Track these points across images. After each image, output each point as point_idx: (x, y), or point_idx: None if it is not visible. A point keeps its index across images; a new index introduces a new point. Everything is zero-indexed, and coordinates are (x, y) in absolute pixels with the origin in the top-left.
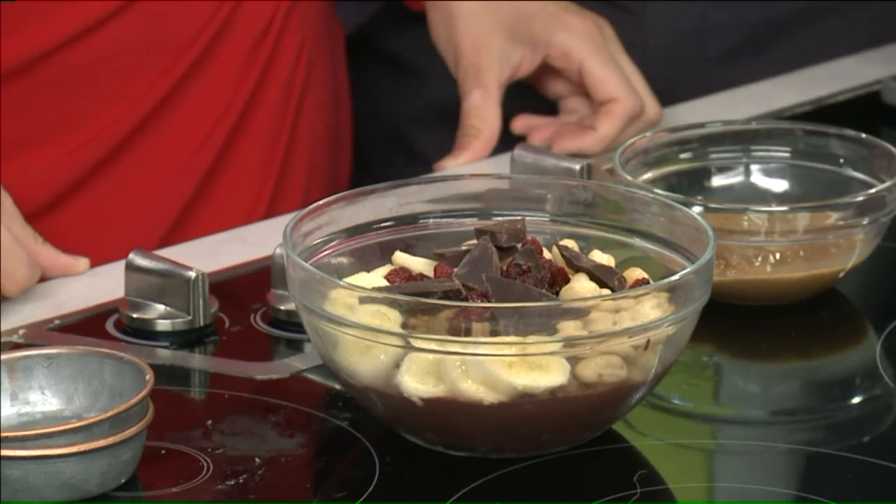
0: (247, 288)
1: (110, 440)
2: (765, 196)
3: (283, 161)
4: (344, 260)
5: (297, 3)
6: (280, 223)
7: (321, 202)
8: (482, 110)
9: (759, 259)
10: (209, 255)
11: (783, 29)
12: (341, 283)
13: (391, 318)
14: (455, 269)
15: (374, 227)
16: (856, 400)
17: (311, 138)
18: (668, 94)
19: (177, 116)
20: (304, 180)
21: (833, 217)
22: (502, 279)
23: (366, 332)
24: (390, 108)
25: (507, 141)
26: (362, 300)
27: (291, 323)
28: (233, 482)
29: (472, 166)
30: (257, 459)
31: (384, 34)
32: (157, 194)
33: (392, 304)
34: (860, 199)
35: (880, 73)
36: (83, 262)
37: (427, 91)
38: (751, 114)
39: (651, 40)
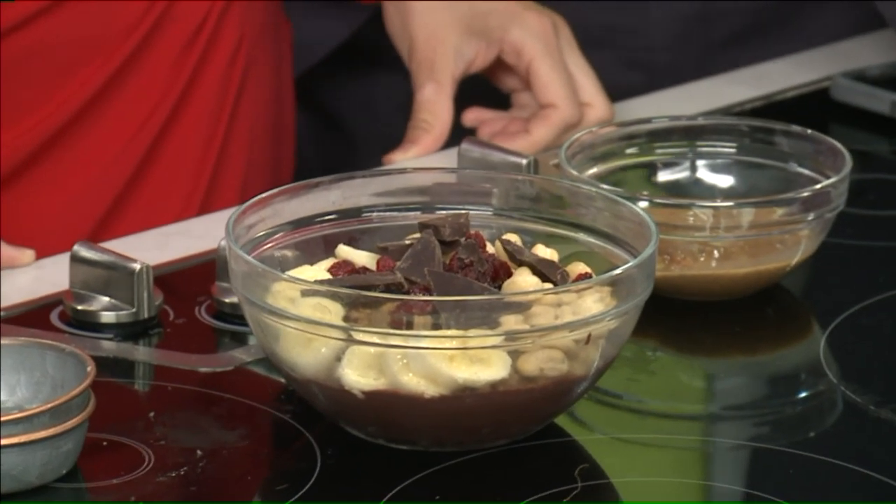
0: (192, 280)
1: (51, 431)
2: (711, 191)
3: (218, 157)
4: (288, 253)
5: (235, 2)
6: (226, 216)
7: (264, 195)
8: (434, 104)
9: (704, 254)
10: (154, 247)
11: (787, 13)
12: (283, 275)
13: (332, 311)
14: (398, 263)
15: (318, 220)
16: (800, 395)
17: (250, 135)
18: (672, 79)
19: (111, 109)
20: (242, 177)
21: (778, 213)
22: (444, 273)
23: (307, 325)
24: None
25: (460, 133)
26: (304, 293)
27: (236, 316)
28: (174, 474)
29: (419, 160)
30: (199, 452)
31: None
32: (88, 186)
33: (333, 297)
34: (805, 194)
35: (830, 70)
36: (28, 253)
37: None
38: (701, 109)
39: (655, 25)
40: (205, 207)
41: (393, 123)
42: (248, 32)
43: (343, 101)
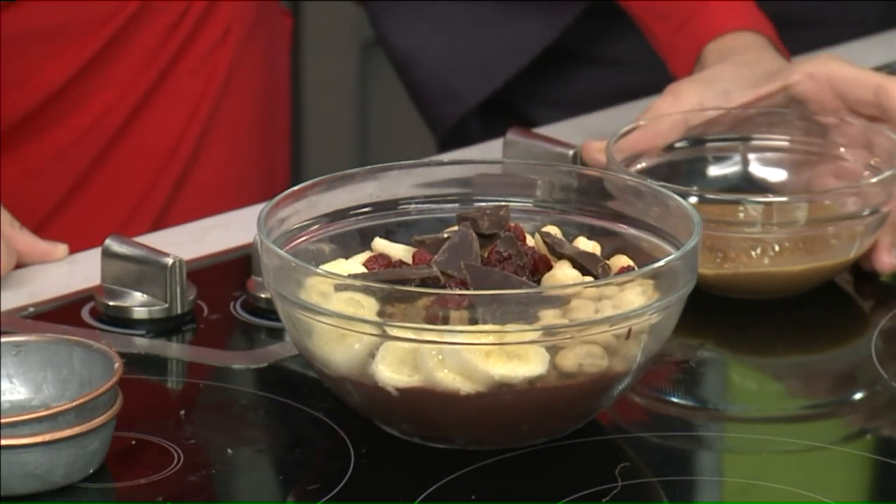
0: (227, 275)
1: (76, 430)
2: (763, 185)
3: (195, 145)
4: (323, 246)
5: None
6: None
7: (299, 186)
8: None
9: (758, 251)
10: (189, 241)
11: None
12: (315, 269)
13: (366, 306)
14: (434, 257)
15: (354, 212)
16: (855, 395)
17: (236, 125)
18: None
19: (85, 94)
20: (222, 175)
21: (832, 207)
22: (481, 267)
23: (340, 321)
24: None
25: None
26: (337, 288)
27: (272, 311)
28: (204, 473)
29: (460, 151)
30: (229, 451)
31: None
32: (50, 168)
33: (367, 291)
34: (858, 188)
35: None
36: (61, 248)
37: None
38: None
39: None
40: (175, 196)
41: None
42: (237, 21)
43: (533, 102)
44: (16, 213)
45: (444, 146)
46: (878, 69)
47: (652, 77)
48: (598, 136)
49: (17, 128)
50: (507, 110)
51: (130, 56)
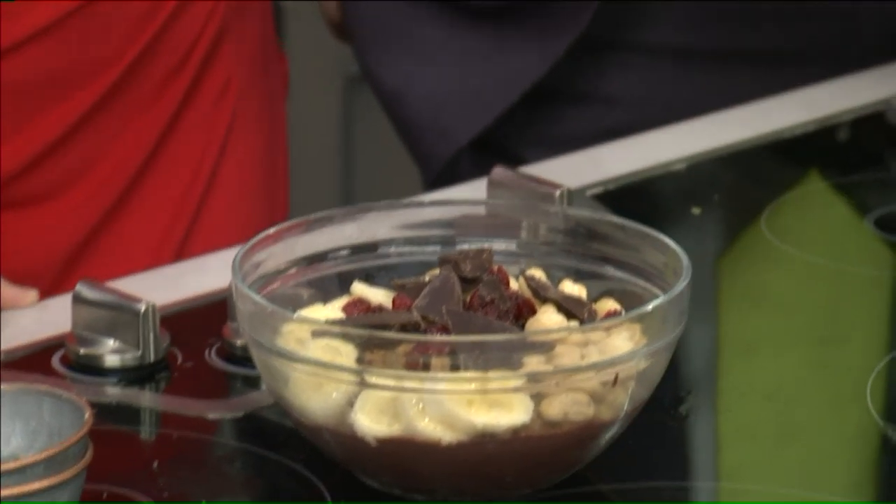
0: (202, 321)
1: (45, 483)
2: None
3: (199, 200)
4: (300, 291)
5: (223, 41)
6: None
7: (275, 229)
8: None
9: None
10: (162, 286)
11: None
12: (291, 315)
13: (344, 353)
14: (415, 301)
15: (333, 255)
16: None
17: (239, 174)
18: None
19: (83, 149)
20: (227, 220)
21: None
22: (463, 311)
23: (317, 368)
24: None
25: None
26: (315, 334)
27: (248, 358)
28: None
29: (444, 191)
30: (205, 503)
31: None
32: (62, 220)
33: (345, 337)
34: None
35: (887, 93)
36: (31, 294)
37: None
38: (748, 135)
39: (865, 40)
40: (181, 252)
41: None
42: (236, 73)
43: (523, 140)
44: (18, 275)
45: (434, 187)
46: (877, 104)
47: (643, 115)
48: (586, 174)
49: (16, 183)
50: (498, 150)
51: (130, 111)
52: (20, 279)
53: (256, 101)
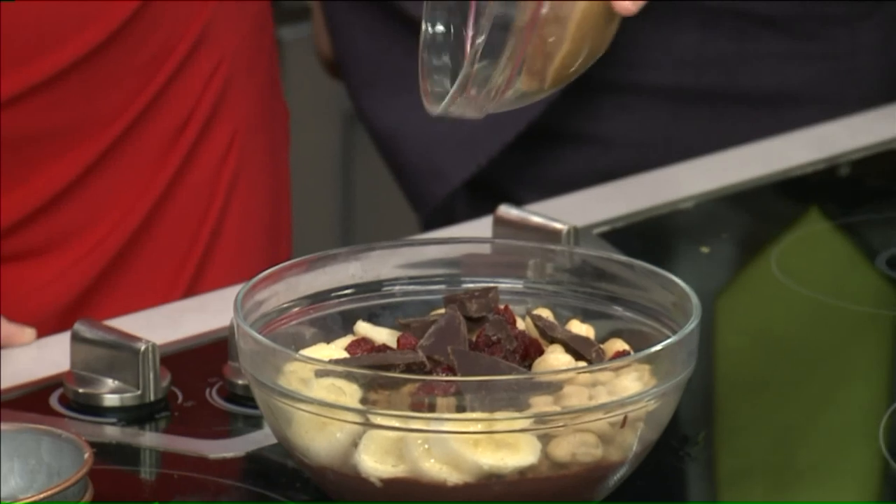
0: (202, 360)
1: None
2: None
3: (203, 251)
4: (303, 330)
5: (229, 94)
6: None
7: (277, 267)
8: None
9: None
10: (163, 325)
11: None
12: (294, 354)
13: (348, 393)
14: (420, 341)
15: (336, 294)
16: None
17: (241, 229)
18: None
19: (87, 202)
20: (229, 268)
21: None
22: (469, 352)
23: (321, 408)
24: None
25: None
26: (318, 374)
27: (250, 398)
28: None
29: (448, 229)
30: None
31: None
32: (70, 267)
33: (349, 377)
34: None
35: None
36: (29, 332)
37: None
38: (757, 173)
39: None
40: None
41: None
42: (241, 126)
43: (519, 182)
44: (39, 306)
45: (429, 228)
46: (885, 143)
47: (640, 156)
48: (592, 212)
49: (17, 234)
50: (494, 191)
51: (135, 164)
52: (33, 319)
53: (261, 151)
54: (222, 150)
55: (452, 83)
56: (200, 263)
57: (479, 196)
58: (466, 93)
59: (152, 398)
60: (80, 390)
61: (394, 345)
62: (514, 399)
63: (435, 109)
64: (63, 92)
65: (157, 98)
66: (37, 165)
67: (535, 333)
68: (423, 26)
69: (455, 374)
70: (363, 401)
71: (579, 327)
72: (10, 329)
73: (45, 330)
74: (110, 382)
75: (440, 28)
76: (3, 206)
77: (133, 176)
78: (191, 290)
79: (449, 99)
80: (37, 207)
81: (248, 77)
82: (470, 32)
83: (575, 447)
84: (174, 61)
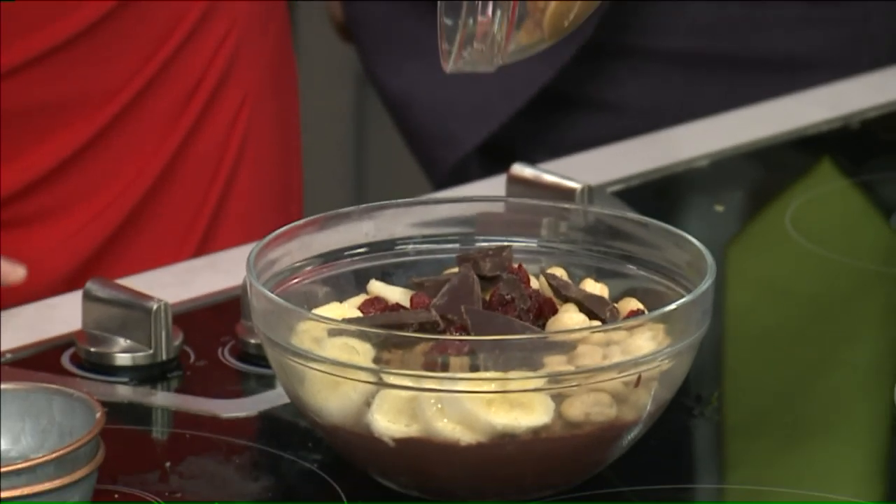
0: (215, 319)
1: (56, 483)
2: None
3: (212, 215)
4: (316, 289)
5: (237, 60)
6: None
7: (290, 226)
8: None
9: None
10: (175, 283)
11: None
12: (307, 313)
13: (361, 352)
14: (433, 300)
15: (349, 253)
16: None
17: (250, 194)
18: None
19: (102, 161)
20: (239, 231)
21: None
22: (483, 311)
23: (334, 367)
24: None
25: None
26: (331, 333)
27: (262, 357)
28: None
29: (461, 188)
30: None
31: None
32: (78, 230)
33: (362, 336)
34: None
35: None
36: (20, 270)
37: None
38: (772, 132)
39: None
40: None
41: None
42: (251, 91)
43: (532, 146)
44: (49, 267)
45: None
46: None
47: (653, 122)
48: (606, 171)
49: (24, 200)
50: (507, 155)
51: (144, 130)
52: (32, 292)
53: (271, 113)
54: (232, 114)
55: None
56: (209, 226)
57: (491, 160)
58: (472, 47)
59: (164, 357)
60: (92, 349)
61: (407, 304)
62: (527, 358)
63: (448, 67)
64: (72, 60)
65: (168, 64)
66: (45, 133)
67: (548, 292)
68: None
69: (468, 334)
70: (376, 360)
71: (593, 286)
72: (6, 267)
73: (54, 293)
74: (122, 342)
75: None
76: (12, 172)
77: (143, 141)
78: (199, 252)
79: (454, 55)
80: (46, 172)
81: (259, 40)
82: None
83: (589, 407)
84: (185, 27)
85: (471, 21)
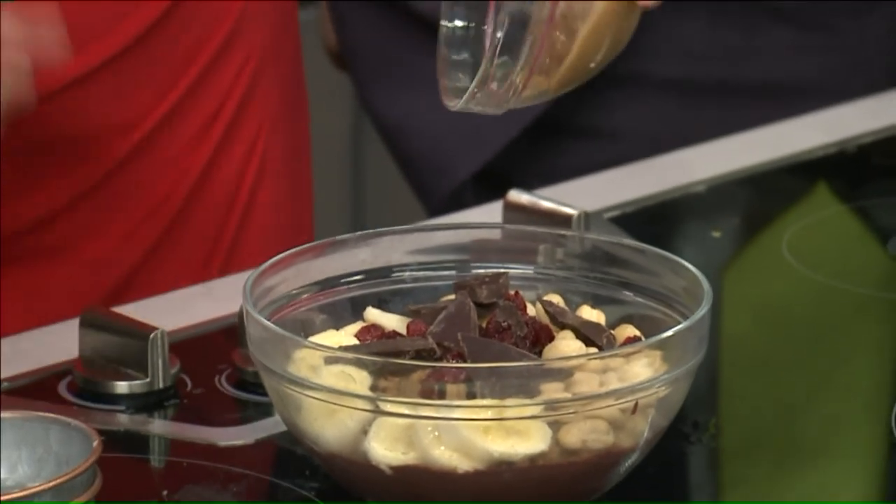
0: (212, 347)
1: None
2: None
3: (229, 248)
4: (313, 316)
5: (254, 90)
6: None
7: (287, 253)
8: None
9: None
10: (171, 311)
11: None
12: (303, 341)
13: (358, 380)
14: (430, 327)
15: (346, 280)
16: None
17: (265, 224)
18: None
19: (121, 193)
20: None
21: None
22: (479, 338)
23: (330, 395)
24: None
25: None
26: (328, 361)
27: (259, 385)
28: None
29: (458, 214)
30: None
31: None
32: (90, 267)
33: (359, 364)
34: None
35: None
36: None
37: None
38: (769, 157)
39: (873, 72)
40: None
41: None
42: (266, 120)
43: (527, 173)
44: (68, 299)
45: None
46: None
47: (648, 149)
48: (602, 197)
49: (34, 235)
50: (502, 182)
51: (160, 163)
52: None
53: (285, 142)
54: (249, 144)
55: (472, 79)
56: (227, 255)
57: (486, 187)
58: (487, 88)
59: (161, 385)
60: (89, 378)
61: (404, 331)
62: (524, 386)
63: (454, 104)
64: (93, 91)
65: (187, 95)
66: (63, 166)
67: (545, 319)
68: (443, 22)
69: (465, 361)
70: (373, 388)
71: (590, 313)
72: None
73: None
74: (119, 370)
75: (459, 24)
76: (30, 205)
77: (162, 172)
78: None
79: (469, 94)
80: (63, 205)
81: (275, 69)
82: (489, 29)
83: (585, 434)
84: (205, 58)
85: (493, 63)
